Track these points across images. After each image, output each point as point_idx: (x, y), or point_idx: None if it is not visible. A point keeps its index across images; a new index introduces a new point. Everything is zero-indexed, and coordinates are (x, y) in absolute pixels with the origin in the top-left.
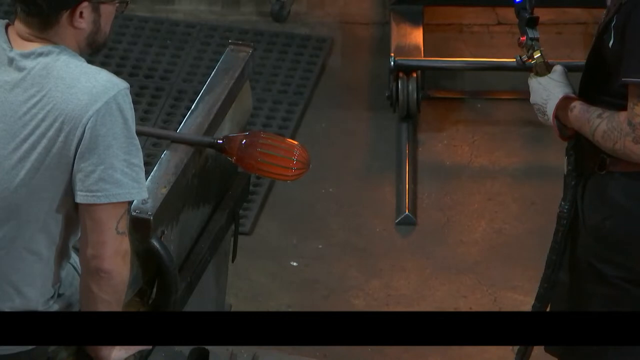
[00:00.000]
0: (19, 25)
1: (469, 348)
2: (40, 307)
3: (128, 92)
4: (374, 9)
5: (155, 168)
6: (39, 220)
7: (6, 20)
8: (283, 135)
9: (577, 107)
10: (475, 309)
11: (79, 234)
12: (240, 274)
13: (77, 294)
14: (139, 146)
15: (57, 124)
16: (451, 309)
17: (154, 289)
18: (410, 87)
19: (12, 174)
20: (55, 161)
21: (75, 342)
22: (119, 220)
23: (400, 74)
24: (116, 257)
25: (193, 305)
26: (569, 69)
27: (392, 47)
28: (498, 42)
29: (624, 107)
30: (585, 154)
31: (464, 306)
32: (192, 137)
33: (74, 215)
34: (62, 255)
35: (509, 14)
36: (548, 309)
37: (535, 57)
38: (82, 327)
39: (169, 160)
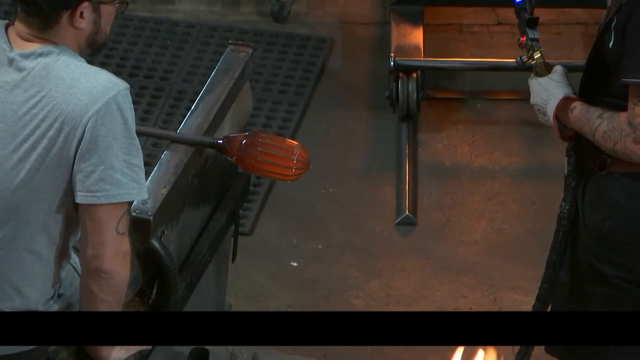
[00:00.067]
0: (19, 26)
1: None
2: (40, 307)
3: (128, 92)
4: (374, 9)
5: (155, 168)
6: (39, 220)
7: (6, 21)
8: (283, 135)
9: (578, 107)
10: (475, 309)
11: (79, 234)
12: (240, 274)
13: (77, 294)
14: (139, 146)
15: (57, 124)
16: (451, 309)
17: (154, 289)
18: (410, 87)
19: (12, 174)
20: (55, 161)
21: (75, 342)
22: (119, 221)
23: (400, 74)
24: (116, 257)
25: (193, 305)
26: (569, 69)
27: (392, 47)
28: (498, 42)
29: (624, 108)
30: (585, 155)
31: (464, 306)
32: (192, 137)
33: (74, 215)
34: (62, 255)
35: (509, 14)
36: (549, 310)
37: (535, 57)
38: (82, 327)
39: (169, 160)
